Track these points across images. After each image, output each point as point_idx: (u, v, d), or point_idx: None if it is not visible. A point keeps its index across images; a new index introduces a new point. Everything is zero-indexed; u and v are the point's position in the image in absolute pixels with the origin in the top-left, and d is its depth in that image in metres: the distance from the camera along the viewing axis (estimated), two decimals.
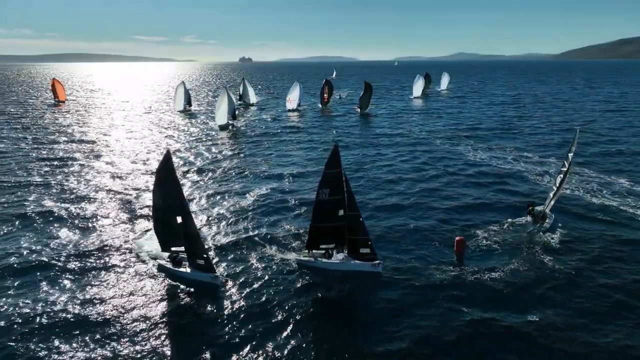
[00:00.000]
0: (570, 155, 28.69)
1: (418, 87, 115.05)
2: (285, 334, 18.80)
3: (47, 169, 45.13)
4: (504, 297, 21.69)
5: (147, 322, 19.78)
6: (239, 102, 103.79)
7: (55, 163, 47.38)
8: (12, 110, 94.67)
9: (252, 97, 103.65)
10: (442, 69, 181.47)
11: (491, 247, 26.99)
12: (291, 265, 24.89)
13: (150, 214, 30.63)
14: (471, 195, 36.74)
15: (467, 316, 19.98)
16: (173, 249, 24.38)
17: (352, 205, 23.48)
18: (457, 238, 26.30)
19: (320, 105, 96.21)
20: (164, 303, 21.44)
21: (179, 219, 23.10)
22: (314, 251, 24.92)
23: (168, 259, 24.66)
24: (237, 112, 71.50)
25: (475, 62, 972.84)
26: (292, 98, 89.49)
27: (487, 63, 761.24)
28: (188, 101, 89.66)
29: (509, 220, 30.82)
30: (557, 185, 29.48)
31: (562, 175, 29.15)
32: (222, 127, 66.80)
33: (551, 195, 30.00)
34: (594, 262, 25.08)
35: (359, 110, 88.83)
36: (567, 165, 28.70)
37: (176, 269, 23.99)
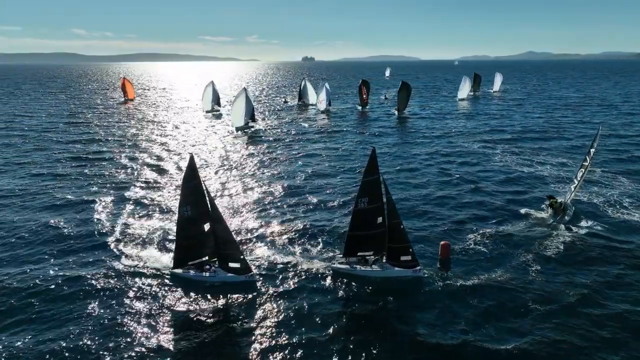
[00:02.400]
0: (592, 150, 29.65)
1: (464, 88, 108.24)
2: (315, 341, 18.57)
3: (75, 166, 46.15)
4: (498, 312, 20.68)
5: (175, 332, 19.27)
6: (298, 102, 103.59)
7: (86, 162, 48.21)
8: (83, 107, 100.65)
9: (312, 98, 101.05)
10: (505, 69, 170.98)
11: (498, 252, 26.27)
12: (325, 272, 23.69)
13: (165, 226, 30.21)
14: (486, 206, 33.95)
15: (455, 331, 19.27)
16: (190, 263, 23.54)
17: (393, 213, 22.70)
18: (441, 243, 25.28)
19: (359, 107, 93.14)
20: (191, 312, 20.61)
21: (207, 227, 22.67)
22: (350, 258, 24.04)
23: (187, 268, 23.59)
24: (256, 115, 69.47)
25: (545, 61, 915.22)
26: (321, 99, 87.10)
27: (558, 62, 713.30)
28: (217, 101, 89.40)
29: (528, 212, 31.70)
30: (578, 179, 30.33)
31: (583, 170, 30.17)
32: (239, 129, 65.11)
33: (572, 188, 30.86)
34: (602, 282, 23.26)
35: (396, 112, 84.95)
36: (588, 160, 29.75)
37: (204, 274, 23.17)
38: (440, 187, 39.27)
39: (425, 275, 23.25)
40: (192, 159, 22.39)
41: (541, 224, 29.93)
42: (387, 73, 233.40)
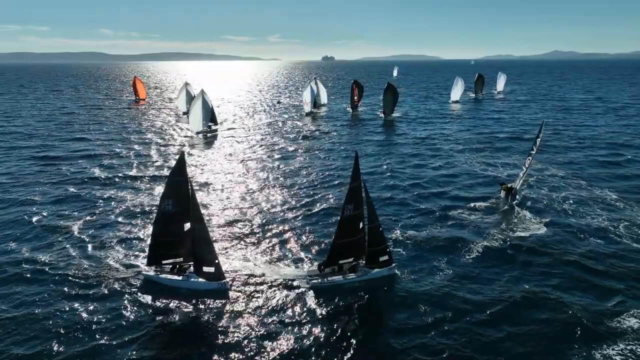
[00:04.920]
0: (538, 140, 34.35)
1: (457, 90, 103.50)
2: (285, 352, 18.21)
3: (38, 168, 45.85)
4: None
5: (142, 342, 18.65)
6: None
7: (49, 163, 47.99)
8: (93, 105, 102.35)
9: (323, 98, 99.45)
10: (527, 68, 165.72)
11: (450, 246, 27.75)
12: (299, 281, 23.08)
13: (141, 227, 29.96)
14: (443, 208, 34.11)
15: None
16: (164, 262, 23.12)
17: (373, 216, 22.80)
18: None
19: (349, 109, 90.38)
20: (159, 321, 20.10)
21: (187, 226, 22.40)
22: (326, 269, 23.42)
23: (157, 270, 23.26)
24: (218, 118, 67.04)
25: (570, 61, 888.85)
26: (306, 100, 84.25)
27: (583, 62, 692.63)
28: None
29: (481, 203, 34.49)
30: (526, 166, 34.71)
31: (530, 158, 34.52)
32: (200, 133, 62.76)
33: (521, 174, 35.10)
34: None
35: (382, 115, 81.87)
36: (534, 149, 34.28)
37: (176, 278, 22.88)
38: (404, 190, 38.73)
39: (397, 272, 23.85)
40: (182, 155, 22.37)
41: (494, 209, 33.10)
42: (395, 73, 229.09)
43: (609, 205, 34.16)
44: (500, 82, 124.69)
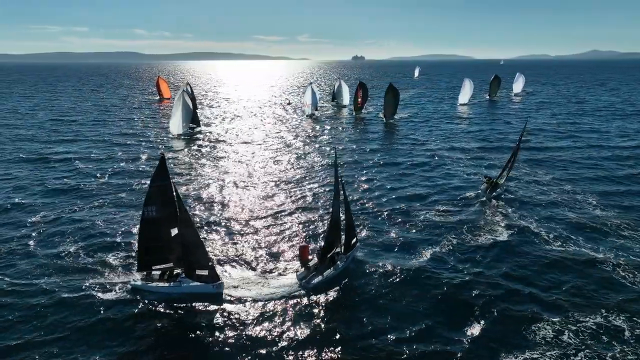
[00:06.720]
0: (521, 138, 37.46)
1: (465, 92, 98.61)
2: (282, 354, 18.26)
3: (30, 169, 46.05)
4: None
5: (135, 350, 18.35)
6: (331, 103, 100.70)
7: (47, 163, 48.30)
8: (105, 104, 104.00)
9: (346, 99, 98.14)
10: (555, 69, 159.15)
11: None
12: (294, 282, 23.02)
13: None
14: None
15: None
16: (154, 267, 22.86)
17: (347, 206, 24.45)
18: (300, 244, 25.97)
19: (354, 111, 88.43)
20: (152, 328, 19.60)
21: (174, 231, 22.09)
22: (313, 268, 23.61)
23: (145, 278, 22.83)
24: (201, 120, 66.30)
25: (607, 61, 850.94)
26: (307, 102, 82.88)
27: (621, 62, 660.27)
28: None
29: (463, 197, 36.29)
30: (509, 161, 37.10)
31: (513, 155, 37.09)
32: (182, 136, 61.31)
33: (502, 169, 37.83)
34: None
35: (383, 117, 79.36)
36: (517, 146, 36.94)
37: (167, 285, 22.48)
38: (381, 190, 38.15)
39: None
40: (162, 159, 21.79)
41: (475, 201, 34.88)
42: (417, 73, 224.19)
43: (590, 222, 31.22)
44: (518, 84, 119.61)
